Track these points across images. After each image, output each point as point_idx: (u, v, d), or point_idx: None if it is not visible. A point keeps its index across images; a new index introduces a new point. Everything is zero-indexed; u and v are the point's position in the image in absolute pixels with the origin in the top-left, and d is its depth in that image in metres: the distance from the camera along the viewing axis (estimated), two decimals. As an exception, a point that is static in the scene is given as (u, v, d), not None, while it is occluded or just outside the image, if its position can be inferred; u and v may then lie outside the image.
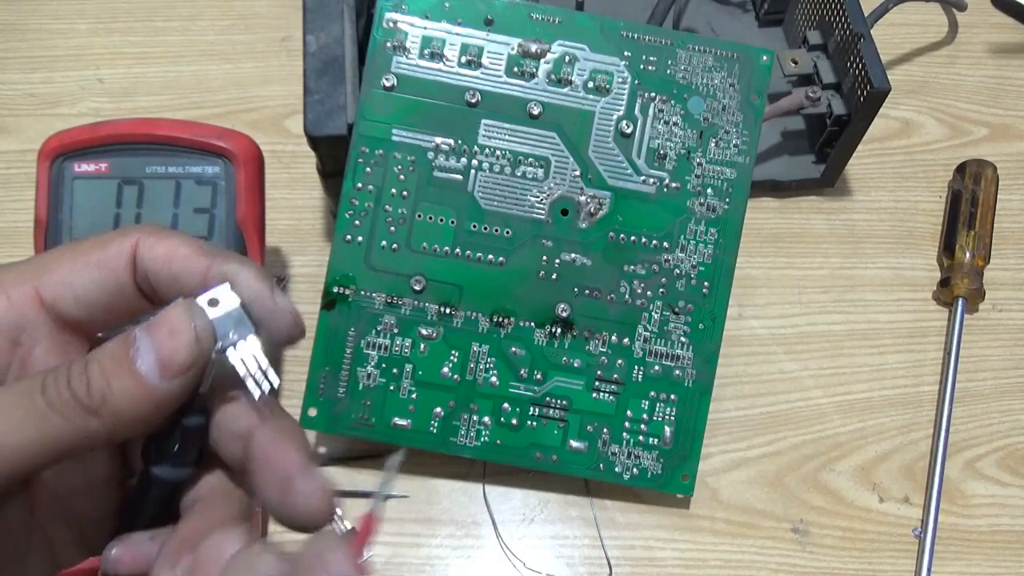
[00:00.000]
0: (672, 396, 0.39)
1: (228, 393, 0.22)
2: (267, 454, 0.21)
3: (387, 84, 0.38)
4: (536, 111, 0.38)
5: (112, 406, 0.20)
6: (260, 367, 0.21)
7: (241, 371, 0.21)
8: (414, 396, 0.39)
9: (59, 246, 0.23)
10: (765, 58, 0.39)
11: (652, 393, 0.39)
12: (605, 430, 0.39)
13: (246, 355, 0.21)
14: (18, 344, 0.22)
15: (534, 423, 0.39)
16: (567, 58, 0.38)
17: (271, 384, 0.21)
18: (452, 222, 0.38)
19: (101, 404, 0.20)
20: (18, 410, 0.19)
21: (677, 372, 0.39)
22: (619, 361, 0.39)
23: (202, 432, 0.22)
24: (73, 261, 0.22)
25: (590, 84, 0.38)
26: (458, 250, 0.38)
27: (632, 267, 0.39)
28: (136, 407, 0.20)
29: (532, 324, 0.39)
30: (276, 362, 0.22)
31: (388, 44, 0.38)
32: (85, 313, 0.22)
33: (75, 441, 0.20)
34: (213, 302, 0.21)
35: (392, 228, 0.38)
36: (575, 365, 0.39)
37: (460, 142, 0.38)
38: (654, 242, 0.39)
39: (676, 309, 0.39)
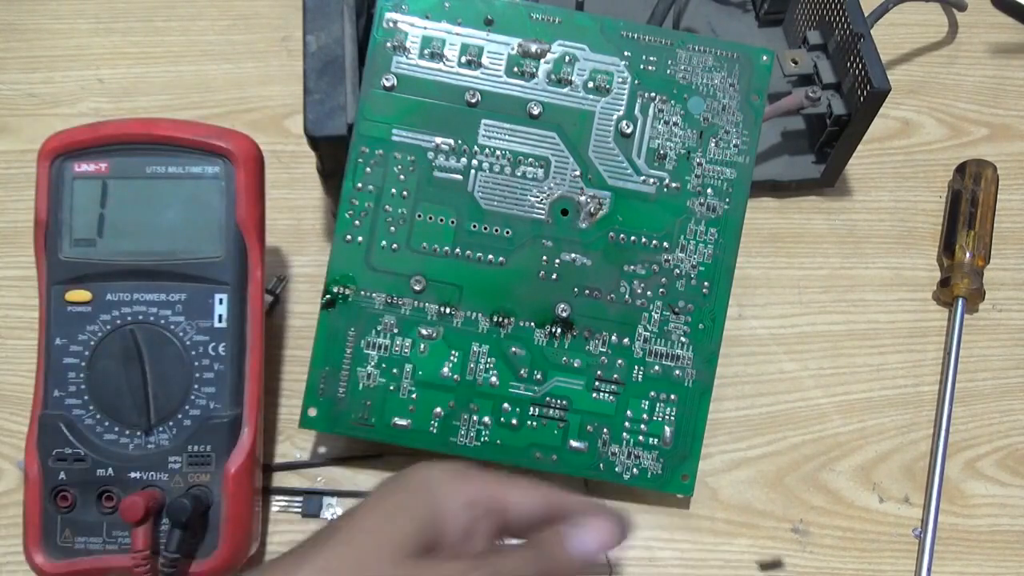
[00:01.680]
0: (672, 396, 0.39)
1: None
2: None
3: (387, 84, 0.38)
4: (536, 111, 0.38)
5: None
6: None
7: None
8: (414, 396, 0.39)
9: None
10: (765, 58, 0.39)
11: (652, 393, 0.39)
12: (605, 430, 0.39)
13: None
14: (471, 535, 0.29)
15: (534, 423, 0.39)
16: (567, 58, 0.38)
17: None
18: (452, 222, 0.38)
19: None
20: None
21: (677, 372, 0.39)
22: (619, 361, 0.39)
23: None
24: (526, 486, 0.31)
25: (590, 84, 0.38)
26: (458, 250, 0.38)
27: (632, 267, 0.39)
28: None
29: (532, 324, 0.39)
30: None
31: (388, 44, 0.38)
32: (517, 524, 0.30)
33: None
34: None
35: (392, 228, 0.38)
36: (575, 365, 0.39)
37: (460, 142, 0.38)
38: (654, 242, 0.39)
39: (676, 309, 0.39)
